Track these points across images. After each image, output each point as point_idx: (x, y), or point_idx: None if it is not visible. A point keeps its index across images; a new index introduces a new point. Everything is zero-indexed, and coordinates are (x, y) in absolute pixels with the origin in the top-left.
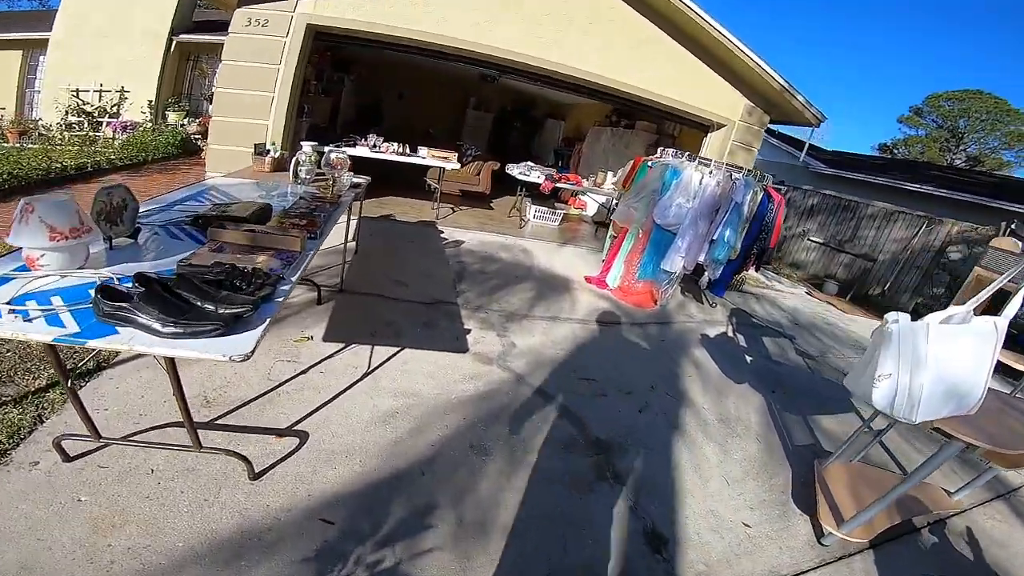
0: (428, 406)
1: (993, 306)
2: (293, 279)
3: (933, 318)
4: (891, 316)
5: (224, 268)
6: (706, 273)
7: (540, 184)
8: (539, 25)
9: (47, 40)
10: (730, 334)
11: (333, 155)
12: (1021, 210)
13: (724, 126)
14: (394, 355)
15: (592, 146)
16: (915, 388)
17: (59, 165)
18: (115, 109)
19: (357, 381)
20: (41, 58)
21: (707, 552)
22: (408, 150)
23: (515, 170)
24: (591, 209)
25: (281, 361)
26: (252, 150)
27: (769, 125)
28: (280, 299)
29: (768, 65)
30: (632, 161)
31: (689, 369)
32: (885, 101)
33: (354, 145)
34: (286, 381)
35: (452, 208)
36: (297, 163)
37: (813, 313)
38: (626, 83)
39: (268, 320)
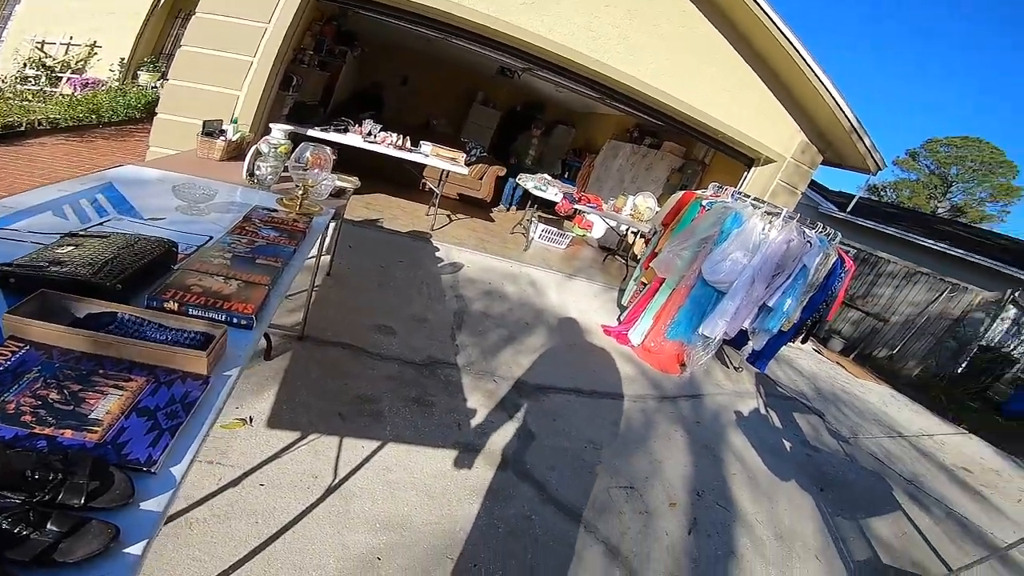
0: (423, 545)
1: None
2: (174, 471)
3: None
4: None
5: None
6: (749, 343)
7: (557, 203)
8: (595, 17)
9: None
10: (762, 411)
11: (309, 152)
12: None
13: (774, 162)
14: (373, 454)
15: (606, 162)
16: None
17: None
18: (80, 65)
19: (318, 501)
20: (17, 8)
21: None
22: (409, 144)
23: (529, 182)
24: (598, 230)
25: (198, 462)
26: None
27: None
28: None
29: (842, 97)
30: (678, 196)
31: (733, 465)
32: (882, 141)
33: (345, 131)
34: (205, 499)
35: (449, 216)
36: (256, 155)
37: (830, 379)
38: (679, 99)
39: None
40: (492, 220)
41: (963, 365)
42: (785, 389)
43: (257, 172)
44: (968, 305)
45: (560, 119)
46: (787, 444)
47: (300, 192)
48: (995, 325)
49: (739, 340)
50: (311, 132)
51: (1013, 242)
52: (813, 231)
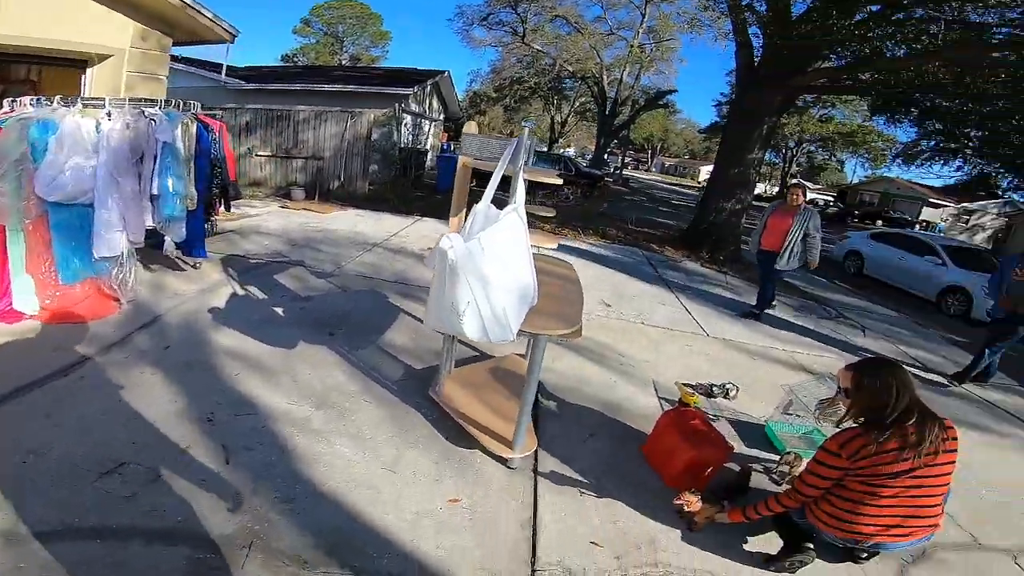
0: None
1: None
2: None
3: (482, 235)
4: (445, 243)
5: None
6: (167, 239)
7: None
8: None
9: None
10: (240, 291)
11: None
12: (402, 92)
13: (111, 57)
14: None
15: None
16: (498, 310)
17: None
18: None
19: None
20: None
21: (460, 557)
22: None
23: None
24: None
25: None
26: None
27: (178, 49)
28: None
29: None
30: None
31: (231, 365)
32: (281, 15)
33: None
34: None
35: None
36: None
37: (301, 227)
38: None
39: None
40: None
41: (395, 169)
42: (258, 258)
43: None
44: (369, 123)
45: None
46: (278, 310)
47: None
48: (402, 131)
49: (162, 241)
50: None
51: (390, 70)
52: (155, 108)
